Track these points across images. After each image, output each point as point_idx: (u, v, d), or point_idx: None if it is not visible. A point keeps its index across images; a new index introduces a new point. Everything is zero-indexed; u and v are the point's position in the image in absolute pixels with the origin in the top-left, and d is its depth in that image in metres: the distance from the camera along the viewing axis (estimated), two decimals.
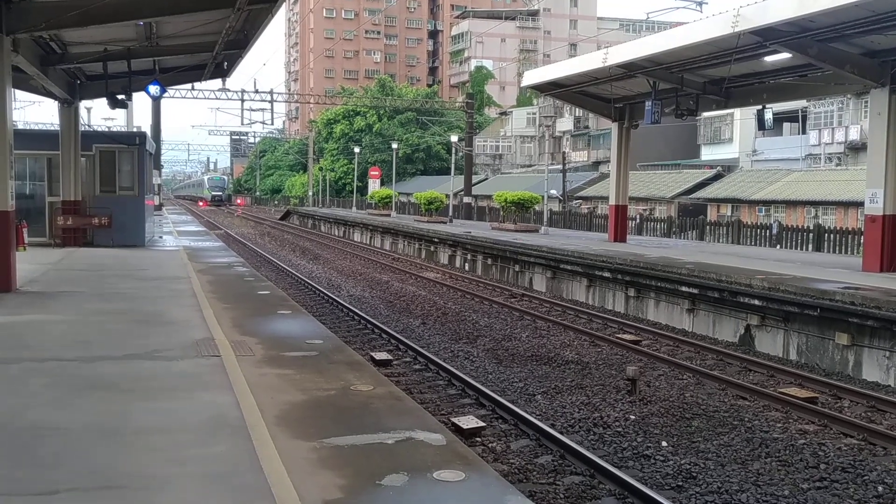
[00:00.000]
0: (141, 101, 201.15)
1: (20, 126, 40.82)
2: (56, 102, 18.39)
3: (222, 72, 19.86)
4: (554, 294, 19.88)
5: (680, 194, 42.44)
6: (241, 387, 6.14)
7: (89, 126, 38.86)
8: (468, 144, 49.04)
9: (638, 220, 33.30)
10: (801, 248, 23.54)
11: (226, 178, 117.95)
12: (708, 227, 29.23)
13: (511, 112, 72.89)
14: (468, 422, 8.28)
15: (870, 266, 15.19)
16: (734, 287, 13.66)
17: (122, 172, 19.76)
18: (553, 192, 38.98)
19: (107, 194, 19.39)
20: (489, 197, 44.91)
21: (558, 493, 6.72)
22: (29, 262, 14.36)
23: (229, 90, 49.51)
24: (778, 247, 24.36)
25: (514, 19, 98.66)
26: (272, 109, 52.53)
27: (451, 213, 40.01)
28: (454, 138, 44.25)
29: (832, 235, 23.14)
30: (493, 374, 11.08)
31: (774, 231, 25.42)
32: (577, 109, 55.16)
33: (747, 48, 15.55)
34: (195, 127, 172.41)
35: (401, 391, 6.53)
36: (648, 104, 19.51)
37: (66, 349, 7.58)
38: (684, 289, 14.93)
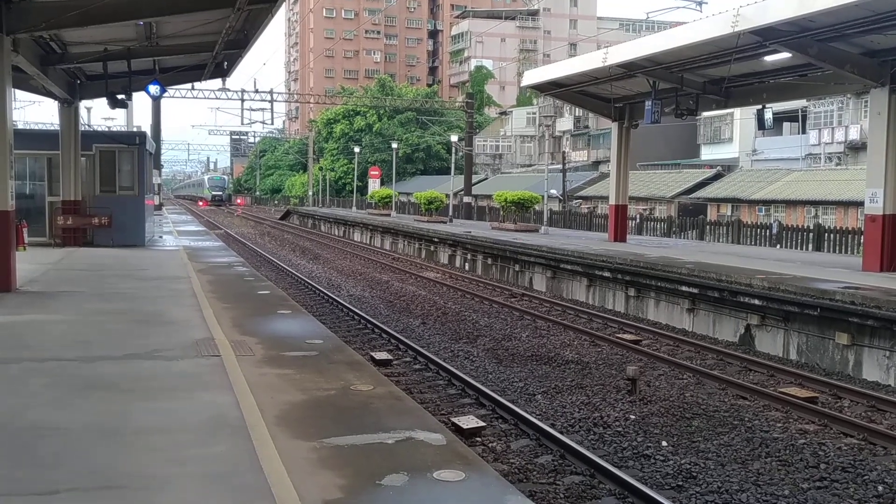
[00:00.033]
0: (141, 101, 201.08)
1: (20, 126, 40.83)
2: (56, 102, 18.39)
3: (222, 71, 19.86)
4: (554, 294, 19.88)
5: (680, 194, 42.44)
6: (241, 387, 6.14)
7: (89, 126, 38.86)
8: (468, 144, 49.04)
9: (638, 220, 33.30)
10: (801, 248, 23.53)
11: (226, 177, 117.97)
12: (708, 226, 29.23)
13: (511, 112, 72.90)
14: (468, 422, 8.27)
15: (870, 266, 15.19)
16: (734, 287, 13.66)
17: (122, 172, 19.76)
18: (553, 191, 38.97)
19: (107, 194, 19.38)
20: (489, 197, 44.91)
21: (558, 493, 6.72)
22: (29, 262, 14.36)
23: (229, 90, 49.55)
24: (778, 246, 24.36)
25: (513, 19, 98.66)
26: (272, 109, 52.58)
27: (450, 213, 40.01)
28: (454, 138, 44.24)
29: (832, 235, 23.14)
30: (493, 374, 11.08)
31: (774, 231, 25.42)
32: (576, 109, 55.19)
33: (747, 48, 15.55)
34: (195, 127, 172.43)
35: (401, 391, 6.53)
36: (648, 104, 19.51)
37: (66, 349, 7.58)
38: (684, 288, 14.93)
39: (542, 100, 61.08)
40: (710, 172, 43.55)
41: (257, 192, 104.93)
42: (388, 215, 42.98)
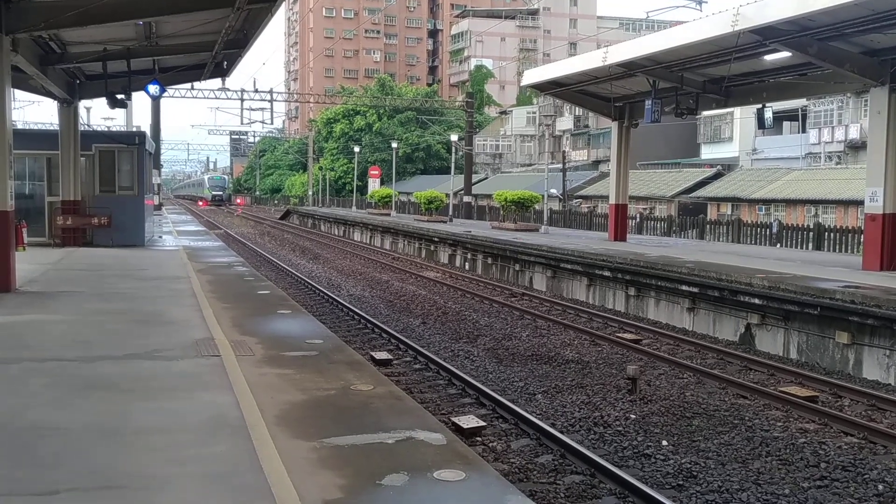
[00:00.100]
0: (140, 101, 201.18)
1: (19, 126, 40.83)
2: (55, 102, 18.38)
3: (222, 71, 19.85)
4: (554, 293, 19.88)
5: (680, 193, 42.44)
6: (241, 387, 6.14)
7: (89, 126, 38.85)
8: (468, 143, 49.04)
9: (638, 219, 33.31)
10: (801, 247, 23.54)
11: (226, 177, 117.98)
12: (708, 225, 29.24)
13: (511, 111, 72.88)
14: (468, 421, 8.27)
15: (870, 265, 15.19)
16: (734, 286, 13.65)
17: (121, 172, 19.74)
18: (553, 191, 38.97)
19: (106, 194, 19.37)
20: (489, 196, 44.90)
21: (559, 493, 6.72)
22: (28, 262, 14.35)
23: (229, 90, 49.55)
24: (778, 245, 24.37)
25: (513, 18, 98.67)
26: (272, 109, 52.58)
27: (451, 213, 40.02)
28: (454, 137, 44.26)
29: (832, 234, 23.15)
30: (494, 374, 11.08)
31: (774, 230, 25.42)
32: (576, 108, 55.18)
33: (747, 47, 15.54)
34: (195, 126, 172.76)
35: (401, 391, 6.53)
36: (648, 103, 19.51)
37: (65, 349, 7.57)
38: (684, 288, 14.92)
39: (541, 99, 61.13)
40: (710, 172, 43.57)
41: (257, 192, 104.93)
42: (388, 215, 42.98)
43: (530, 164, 65.97)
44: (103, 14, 12.02)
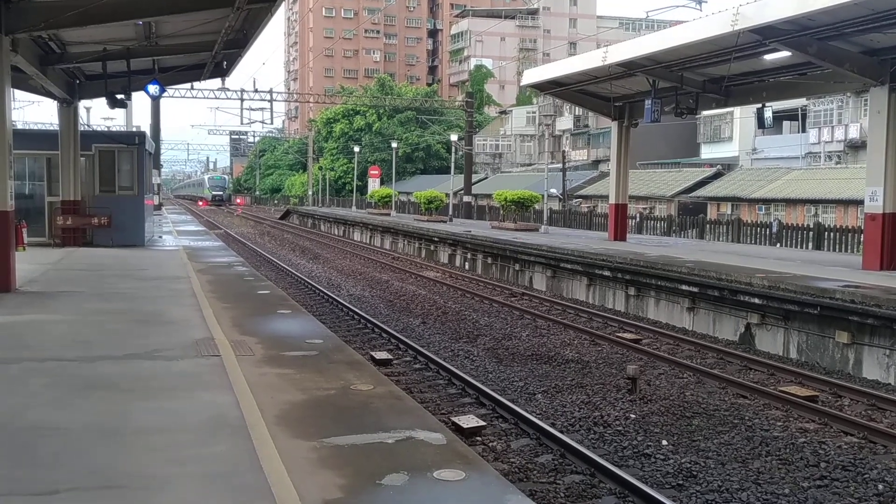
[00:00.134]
0: (140, 101, 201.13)
1: (19, 126, 40.82)
2: (55, 102, 18.38)
3: (222, 71, 19.84)
4: (554, 293, 19.88)
5: (680, 193, 42.45)
6: (241, 386, 6.14)
7: (88, 126, 38.87)
8: (468, 143, 49.03)
9: (638, 219, 33.31)
10: (801, 247, 23.54)
11: (226, 177, 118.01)
12: (708, 225, 29.24)
13: (511, 111, 72.89)
14: (468, 421, 8.27)
15: (870, 264, 15.19)
16: (734, 286, 13.65)
17: (121, 172, 19.74)
18: (553, 190, 38.98)
19: (106, 194, 19.37)
20: (489, 196, 44.90)
21: (559, 492, 6.72)
22: (28, 262, 14.35)
23: (229, 89, 49.55)
24: (778, 245, 24.37)
25: (513, 18, 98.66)
26: (272, 109, 52.55)
27: (450, 212, 40.02)
28: (454, 137, 44.26)
29: (832, 234, 23.15)
30: (494, 374, 11.08)
31: (774, 229, 25.43)
32: (576, 108, 55.18)
33: (747, 46, 15.54)
34: (195, 126, 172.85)
35: (401, 390, 6.53)
36: (648, 103, 19.51)
37: (65, 349, 7.57)
38: (684, 287, 14.92)
39: (541, 99, 61.12)
40: (709, 171, 43.58)
41: (257, 192, 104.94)
42: (388, 215, 42.98)
43: (530, 164, 65.97)
44: (103, 14, 12.02)
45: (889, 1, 12.43)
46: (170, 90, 34.48)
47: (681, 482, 7.02)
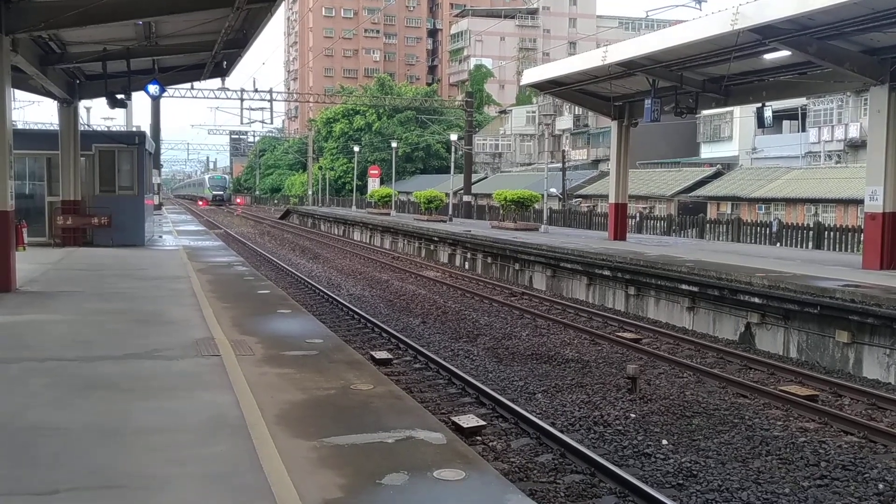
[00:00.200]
0: (140, 101, 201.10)
1: (19, 126, 40.82)
2: (55, 102, 18.38)
3: (221, 71, 19.84)
4: (554, 292, 19.88)
5: (680, 192, 42.44)
6: (241, 386, 6.14)
7: (89, 126, 38.85)
8: (468, 143, 49.03)
9: (638, 219, 33.30)
10: (801, 246, 23.53)
11: (227, 177, 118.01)
12: (708, 224, 29.23)
13: (510, 110, 72.89)
14: (468, 420, 8.27)
15: (870, 264, 15.19)
16: (734, 285, 13.65)
17: (121, 172, 19.74)
18: (553, 190, 38.98)
19: (106, 194, 19.37)
20: (489, 195, 44.88)
21: (559, 492, 6.72)
22: (28, 262, 14.35)
23: (229, 89, 49.55)
24: (778, 244, 24.36)
25: (513, 18, 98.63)
26: (272, 108, 52.54)
27: (450, 212, 40.00)
28: (454, 137, 44.23)
29: (832, 233, 23.15)
30: (494, 373, 11.08)
31: (774, 229, 25.42)
32: (576, 108, 55.20)
33: (747, 46, 15.54)
34: (194, 126, 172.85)
35: (401, 390, 6.53)
36: (648, 102, 19.51)
37: (66, 349, 7.57)
38: (684, 287, 14.92)
39: (541, 98, 61.06)
40: (709, 171, 43.57)
41: (257, 192, 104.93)
42: (388, 214, 42.98)
43: (530, 164, 65.96)
44: (103, 14, 12.02)
45: (889, 0, 12.43)
46: (170, 90, 34.49)
47: (681, 482, 7.02)
